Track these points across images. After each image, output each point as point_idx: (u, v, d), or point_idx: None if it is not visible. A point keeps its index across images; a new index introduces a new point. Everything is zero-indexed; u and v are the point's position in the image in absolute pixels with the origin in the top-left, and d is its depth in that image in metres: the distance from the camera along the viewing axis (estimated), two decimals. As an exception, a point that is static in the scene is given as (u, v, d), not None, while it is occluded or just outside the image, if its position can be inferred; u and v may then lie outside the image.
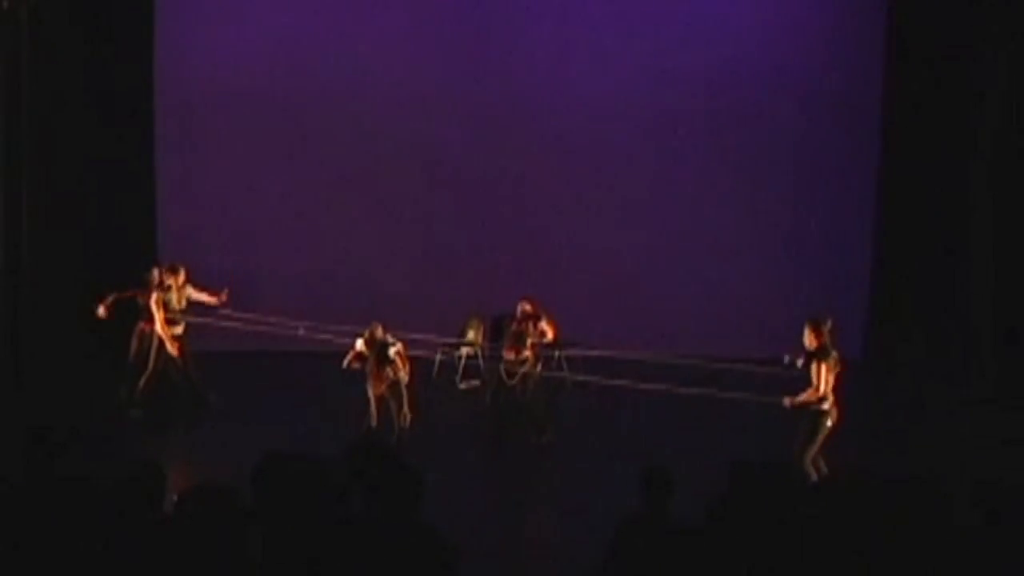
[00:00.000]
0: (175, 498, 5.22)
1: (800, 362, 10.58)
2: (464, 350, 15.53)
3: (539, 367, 12.75)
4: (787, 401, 10.42)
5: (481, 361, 15.26)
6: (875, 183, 16.70)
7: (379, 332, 12.03)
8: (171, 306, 13.29)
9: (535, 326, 12.64)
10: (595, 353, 14.40)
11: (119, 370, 13.61)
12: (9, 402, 13.57)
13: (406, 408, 12.01)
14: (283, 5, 16.71)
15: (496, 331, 14.85)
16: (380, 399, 11.99)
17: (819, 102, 16.62)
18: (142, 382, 13.25)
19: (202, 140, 16.59)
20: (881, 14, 16.39)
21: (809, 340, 10.48)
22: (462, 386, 15.03)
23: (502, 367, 12.80)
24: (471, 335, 15.71)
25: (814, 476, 10.16)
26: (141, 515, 5.19)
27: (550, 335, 12.74)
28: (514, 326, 12.79)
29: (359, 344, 12.00)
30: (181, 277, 13.41)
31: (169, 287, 13.33)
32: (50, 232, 15.20)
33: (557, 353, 14.30)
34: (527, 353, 12.64)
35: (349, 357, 12.01)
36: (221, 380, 13.70)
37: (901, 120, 16.28)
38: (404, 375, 11.97)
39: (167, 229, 16.50)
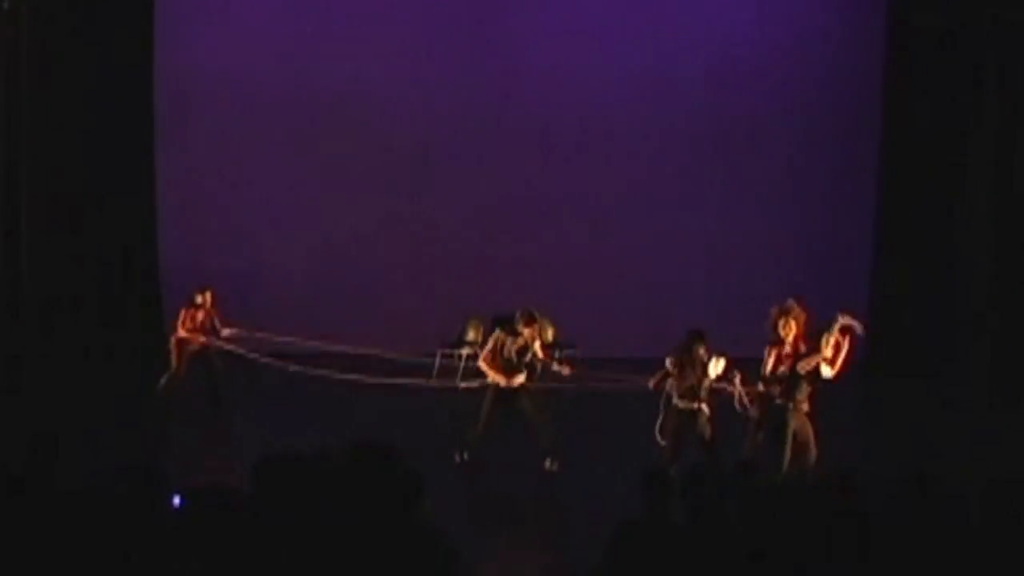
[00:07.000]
0: (176, 500, 5.22)
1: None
2: (464, 350, 15.51)
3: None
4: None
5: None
6: (875, 183, 16.70)
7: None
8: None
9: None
10: (594, 354, 14.37)
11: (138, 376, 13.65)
12: (9, 403, 13.57)
13: None
14: (283, 4, 16.70)
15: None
16: None
17: (819, 102, 16.62)
18: None
19: (202, 139, 16.58)
20: (881, 15, 16.40)
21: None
22: (462, 386, 15.01)
23: None
24: (471, 335, 15.69)
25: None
26: (141, 517, 5.18)
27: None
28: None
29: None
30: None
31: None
32: (50, 231, 15.21)
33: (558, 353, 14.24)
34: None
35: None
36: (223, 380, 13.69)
37: (901, 120, 16.28)
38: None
39: (167, 229, 16.50)
